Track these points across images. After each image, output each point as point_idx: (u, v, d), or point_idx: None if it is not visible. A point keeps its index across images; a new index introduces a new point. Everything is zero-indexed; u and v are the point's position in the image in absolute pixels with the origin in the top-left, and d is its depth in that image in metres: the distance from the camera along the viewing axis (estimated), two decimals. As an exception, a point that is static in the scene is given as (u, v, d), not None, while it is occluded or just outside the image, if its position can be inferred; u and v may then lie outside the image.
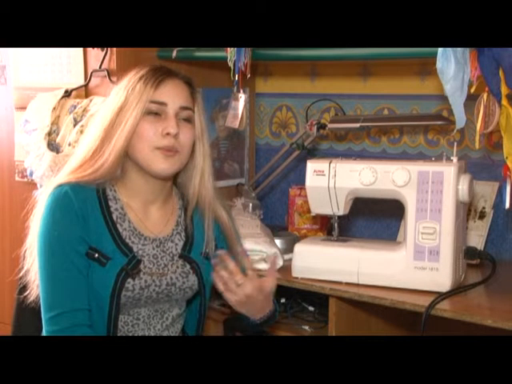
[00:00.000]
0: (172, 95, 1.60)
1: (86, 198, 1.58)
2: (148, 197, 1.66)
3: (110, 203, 1.62)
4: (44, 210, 1.57)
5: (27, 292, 1.63)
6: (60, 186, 1.58)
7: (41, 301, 1.56)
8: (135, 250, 1.61)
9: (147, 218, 1.66)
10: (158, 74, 1.60)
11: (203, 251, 1.70)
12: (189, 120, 1.63)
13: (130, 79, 1.61)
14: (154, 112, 1.59)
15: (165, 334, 1.68)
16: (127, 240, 1.61)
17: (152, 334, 1.66)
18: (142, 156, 1.59)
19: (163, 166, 1.59)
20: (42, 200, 1.60)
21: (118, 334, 1.61)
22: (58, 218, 1.55)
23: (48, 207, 1.56)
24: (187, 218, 1.71)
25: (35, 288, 1.60)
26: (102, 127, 1.59)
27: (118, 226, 1.61)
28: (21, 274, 1.65)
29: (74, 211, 1.56)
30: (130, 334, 1.63)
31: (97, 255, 1.57)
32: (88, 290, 1.56)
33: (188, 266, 1.67)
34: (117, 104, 1.59)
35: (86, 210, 1.57)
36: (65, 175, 1.61)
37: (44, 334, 1.58)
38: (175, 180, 1.71)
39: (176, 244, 1.68)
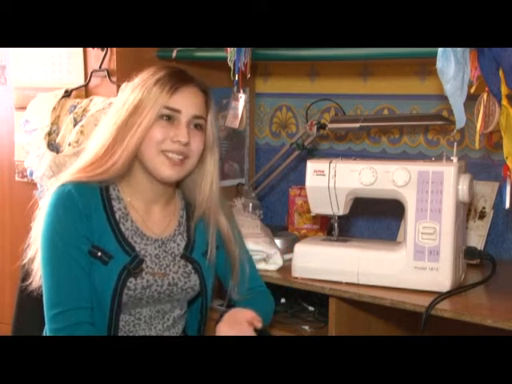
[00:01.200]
0: (187, 103, 1.60)
1: (90, 197, 1.58)
2: (151, 197, 1.66)
3: (113, 202, 1.62)
4: (47, 208, 1.57)
5: (30, 280, 1.63)
6: (63, 184, 1.58)
7: (43, 298, 1.56)
8: (137, 249, 1.61)
9: (149, 217, 1.66)
10: (175, 80, 1.60)
11: (204, 252, 1.70)
12: (200, 127, 1.63)
13: (147, 80, 1.60)
14: (167, 117, 1.59)
15: (165, 334, 1.68)
16: (130, 239, 1.61)
17: (153, 335, 1.66)
18: (150, 159, 1.59)
19: (169, 172, 1.59)
20: (45, 198, 1.60)
21: (119, 334, 1.61)
22: (62, 217, 1.56)
23: (51, 205, 1.57)
24: (192, 222, 1.71)
25: (38, 277, 1.60)
26: (115, 125, 1.59)
27: (121, 225, 1.61)
28: (24, 262, 1.65)
29: (78, 209, 1.56)
30: (131, 334, 1.64)
31: (99, 253, 1.57)
32: (90, 289, 1.57)
33: (190, 267, 1.68)
34: (131, 104, 1.58)
35: (89, 208, 1.58)
36: (74, 172, 1.61)
37: (46, 331, 1.58)
38: (179, 182, 1.70)
39: (178, 244, 1.68)
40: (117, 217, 1.61)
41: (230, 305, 1.79)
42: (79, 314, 1.54)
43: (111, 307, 1.57)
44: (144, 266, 1.61)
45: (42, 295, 1.58)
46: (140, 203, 1.65)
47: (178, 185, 1.71)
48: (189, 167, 1.63)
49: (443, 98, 1.73)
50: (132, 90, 1.61)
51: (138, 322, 1.64)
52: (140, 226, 1.64)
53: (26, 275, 1.65)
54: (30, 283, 1.63)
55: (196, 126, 1.62)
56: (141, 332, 1.64)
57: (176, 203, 1.72)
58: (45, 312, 1.56)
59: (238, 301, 1.76)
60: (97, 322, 1.58)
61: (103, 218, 1.59)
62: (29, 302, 1.69)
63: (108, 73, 2.28)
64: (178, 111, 1.59)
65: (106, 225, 1.59)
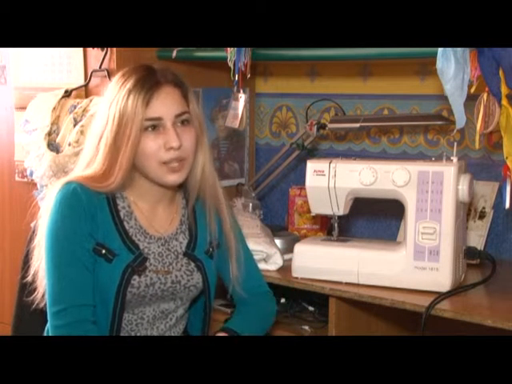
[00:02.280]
0: (165, 107, 1.58)
1: (94, 195, 1.59)
2: (155, 198, 1.67)
3: (118, 201, 1.63)
4: (52, 207, 1.58)
5: (35, 294, 1.63)
6: (68, 183, 1.59)
7: (46, 295, 1.57)
8: (141, 247, 1.62)
9: (153, 216, 1.67)
10: (147, 86, 1.57)
11: (207, 249, 1.71)
12: (187, 121, 1.63)
13: (119, 92, 1.58)
14: (151, 127, 1.58)
15: (167, 334, 1.68)
16: (134, 237, 1.62)
17: (155, 334, 1.66)
18: (151, 170, 1.59)
19: (173, 178, 1.60)
20: (49, 197, 1.60)
21: (121, 333, 1.61)
22: (66, 214, 1.56)
23: (56, 203, 1.57)
24: (189, 210, 1.71)
25: (43, 288, 1.60)
26: (106, 147, 1.58)
27: (125, 223, 1.62)
28: (28, 277, 1.64)
29: (82, 207, 1.57)
30: (133, 333, 1.64)
31: (104, 251, 1.58)
32: (94, 286, 1.57)
33: (192, 264, 1.68)
34: (112, 122, 1.57)
35: (93, 206, 1.58)
36: (73, 178, 1.61)
37: (48, 328, 1.58)
38: None
39: (180, 242, 1.69)
40: (121, 215, 1.62)
41: (232, 305, 1.80)
42: (81, 312, 1.55)
43: (115, 305, 1.58)
44: (148, 263, 1.61)
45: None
46: (144, 203, 1.66)
47: None
48: (189, 166, 1.63)
49: (443, 98, 1.73)
50: (109, 105, 1.59)
51: (141, 322, 1.64)
52: (143, 225, 1.65)
53: (30, 288, 1.65)
54: (35, 297, 1.63)
55: (182, 122, 1.61)
56: (143, 331, 1.65)
57: (178, 201, 1.73)
58: (47, 308, 1.56)
59: (238, 301, 1.76)
60: (100, 320, 1.58)
61: (108, 216, 1.60)
62: (28, 308, 1.69)
63: (108, 73, 2.28)
64: (159, 119, 1.58)
65: (111, 223, 1.60)
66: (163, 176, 1.60)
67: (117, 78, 1.62)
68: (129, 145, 1.56)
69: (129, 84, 1.58)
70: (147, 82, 1.58)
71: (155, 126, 1.58)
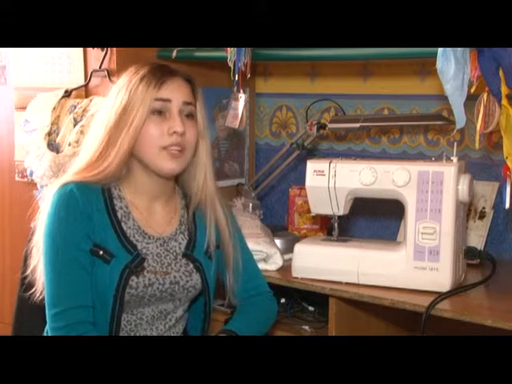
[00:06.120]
0: (175, 92, 1.61)
1: (91, 196, 1.59)
2: (152, 194, 1.67)
3: (115, 201, 1.63)
4: (49, 208, 1.58)
5: (33, 290, 1.63)
6: (65, 184, 1.59)
7: (45, 297, 1.57)
8: (139, 247, 1.62)
9: (151, 216, 1.67)
10: (160, 74, 1.61)
11: (206, 250, 1.71)
12: (192, 116, 1.64)
13: (131, 79, 1.61)
14: (159, 110, 1.59)
15: (166, 334, 1.68)
16: (131, 238, 1.62)
17: (154, 335, 1.66)
18: (150, 156, 1.60)
19: (171, 165, 1.60)
20: (47, 198, 1.60)
21: (120, 333, 1.61)
22: (63, 216, 1.56)
23: (53, 205, 1.57)
24: (189, 215, 1.71)
25: (41, 286, 1.61)
26: (106, 129, 1.60)
27: (123, 224, 1.62)
28: (27, 273, 1.65)
29: (79, 209, 1.57)
30: (132, 334, 1.64)
31: (101, 252, 1.58)
32: (92, 288, 1.57)
33: (191, 265, 1.68)
34: (120, 105, 1.59)
35: (90, 207, 1.58)
36: (70, 176, 1.62)
37: (47, 330, 1.58)
38: (177, 177, 1.71)
39: (179, 243, 1.69)
40: (118, 216, 1.62)
41: (232, 306, 1.80)
42: (80, 313, 1.55)
43: (113, 306, 1.58)
44: (146, 264, 1.61)
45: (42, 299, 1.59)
46: (141, 201, 1.66)
47: (176, 181, 1.72)
48: (188, 158, 1.64)
49: (443, 97, 1.73)
50: (118, 92, 1.61)
51: (140, 322, 1.64)
52: (142, 225, 1.65)
53: (29, 284, 1.65)
54: (34, 292, 1.63)
55: (187, 115, 1.63)
56: (142, 332, 1.65)
57: (176, 201, 1.73)
58: (46, 311, 1.56)
59: (237, 301, 1.76)
60: (99, 322, 1.58)
61: (105, 216, 1.60)
62: (29, 303, 1.69)
63: (108, 73, 2.28)
64: (168, 100, 1.60)
65: (108, 224, 1.60)
66: (161, 162, 1.60)
67: (128, 72, 1.64)
68: (132, 126, 1.57)
69: (142, 72, 1.61)
70: (160, 71, 1.62)
71: (162, 110, 1.59)
